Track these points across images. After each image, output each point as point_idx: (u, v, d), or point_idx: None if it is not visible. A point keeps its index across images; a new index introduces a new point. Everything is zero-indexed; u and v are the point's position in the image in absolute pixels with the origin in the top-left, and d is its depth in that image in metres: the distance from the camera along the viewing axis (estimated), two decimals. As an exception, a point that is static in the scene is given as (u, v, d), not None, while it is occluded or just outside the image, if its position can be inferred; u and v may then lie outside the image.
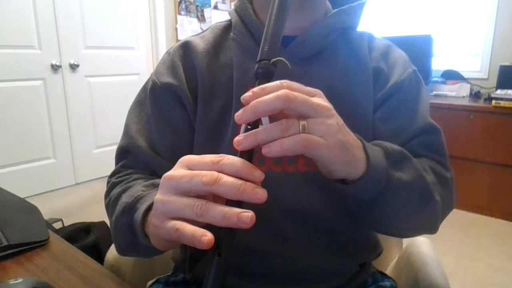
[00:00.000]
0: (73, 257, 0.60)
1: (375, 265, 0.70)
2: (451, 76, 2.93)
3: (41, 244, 0.63)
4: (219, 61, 0.60)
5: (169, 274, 0.70)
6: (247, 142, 0.34)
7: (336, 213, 0.56)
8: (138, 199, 0.48)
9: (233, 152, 0.35)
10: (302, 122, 0.35)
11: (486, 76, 2.81)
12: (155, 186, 0.51)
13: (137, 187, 0.51)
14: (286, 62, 0.38)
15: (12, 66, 2.40)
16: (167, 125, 0.60)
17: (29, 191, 2.52)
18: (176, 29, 3.30)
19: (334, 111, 0.38)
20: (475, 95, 2.75)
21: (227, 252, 0.32)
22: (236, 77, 0.58)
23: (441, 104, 2.51)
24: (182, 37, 3.21)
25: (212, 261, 0.32)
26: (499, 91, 2.37)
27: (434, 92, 2.91)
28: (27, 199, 0.80)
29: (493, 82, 2.65)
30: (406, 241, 0.77)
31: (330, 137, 0.36)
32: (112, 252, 0.71)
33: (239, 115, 0.34)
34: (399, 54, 0.63)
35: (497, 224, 2.33)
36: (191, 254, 0.62)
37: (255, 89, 0.35)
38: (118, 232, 0.51)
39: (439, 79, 2.95)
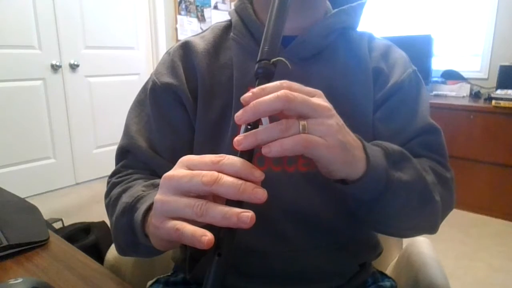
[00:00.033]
0: (73, 257, 0.60)
1: (375, 265, 0.70)
2: (451, 76, 2.93)
3: (41, 244, 0.63)
4: (219, 61, 0.60)
5: (169, 274, 0.70)
6: (247, 142, 0.34)
7: (336, 213, 0.56)
8: (138, 199, 0.48)
9: (233, 152, 0.35)
10: (302, 122, 0.35)
11: (486, 76, 2.81)
12: (155, 186, 0.51)
13: (137, 187, 0.51)
14: (286, 62, 0.38)
15: (12, 66, 2.40)
16: (167, 125, 0.60)
17: (29, 191, 2.52)
18: (176, 29, 3.30)
19: (334, 111, 0.38)
20: (475, 95, 2.75)
21: (227, 252, 0.32)
22: (236, 77, 0.58)
23: (441, 104, 2.51)
24: (182, 37, 3.21)
25: (212, 261, 0.32)
26: (499, 91, 2.37)
27: (434, 92, 2.91)
28: (27, 199, 0.80)
29: (493, 82, 2.65)
30: (406, 241, 0.77)
31: (330, 137, 0.36)
32: (112, 252, 0.71)
33: (239, 115, 0.35)
34: (399, 54, 0.63)
35: (497, 224, 2.33)
36: (191, 254, 0.62)
37: (255, 89, 0.35)
38: (118, 232, 0.51)
39: (439, 79, 2.95)
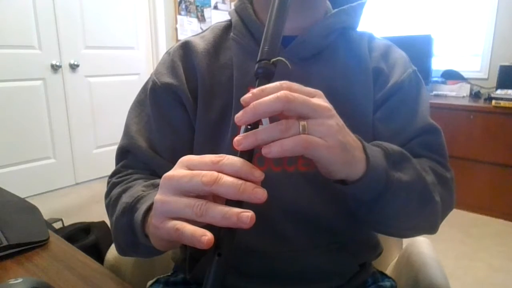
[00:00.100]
0: (73, 257, 0.60)
1: (375, 265, 0.70)
2: (451, 76, 2.93)
3: (41, 244, 0.63)
4: (219, 61, 0.60)
5: (169, 274, 0.70)
6: (247, 142, 0.34)
7: (336, 213, 0.56)
8: (138, 199, 0.48)
9: (233, 152, 0.35)
10: (302, 123, 0.35)
11: (486, 76, 2.81)
12: (155, 186, 0.51)
13: (137, 187, 0.51)
14: (286, 62, 0.38)
15: (12, 66, 2.40)
16: (167, 125, 0.60)
17: (29, 191, 2.52)
18: (176, 29, 3.30)
19: (334, 112, 0.38)
20: (475, 95, 2.75)
21: (227, 252, 0.32)
22: (236, 77, 0.58)
23: (441, 104, 2.51)
24: (182, 37, 3.21)
25: (212, 261, 0.32)
26: (499, 91, 2.37)
27: (434, 92, 2.91)
28: (27, 199, 0.80)
29: (493, 82, 2.65)
30: (406, 241, 0.77)
31: (330, 137, 0.36)
32: (112, 252, 0.71)
33: (239, 116, 0.35)
34: (399, 54, 0.63)
35: (497, 224, 2.33)
36: (191, 254, 0.62)
37: (255, 90, 0.35)
38: (118, 232, 0.51)
39: (439, 79, 2.95)
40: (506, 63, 2.55)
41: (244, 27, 0.61)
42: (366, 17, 0.63)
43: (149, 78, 0.63)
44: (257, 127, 0.35)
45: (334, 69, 0.59)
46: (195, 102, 0.59)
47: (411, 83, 0.60)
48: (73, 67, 2.69)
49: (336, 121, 0.37)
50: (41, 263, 0.58)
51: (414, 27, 3.14)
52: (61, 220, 1.77)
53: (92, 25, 2.77)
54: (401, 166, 0.48)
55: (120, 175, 0.60)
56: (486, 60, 2.80)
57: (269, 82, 0.37)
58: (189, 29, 3.38)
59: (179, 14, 3.30)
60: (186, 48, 0.62)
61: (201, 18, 3.46)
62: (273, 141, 0.34)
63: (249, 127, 0.35)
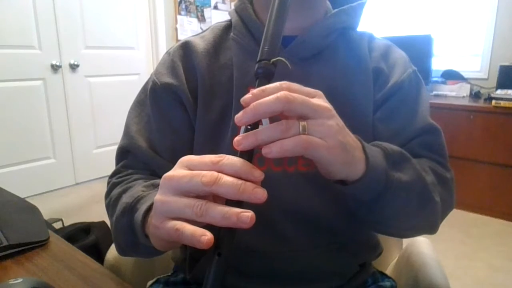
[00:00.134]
0: (73, 257, 0.60)
1: (375, 265, 0.70)
2: (451, 76, 2.93)
3: (41, 244, 0.63)
4: (219, 61, 0.60)
5: (169, 274, 0.70)
6: (247, 143, 0.34)
7: (336, 213, 0.56)
8: (138, 200, 0.48)
9: (233, 152, 0.35)
10: (302, 123, 0.35)
11: (486, 76, 2.81)
12: (155, 186, 0.51)
13: (137, 188, 0.51)
14: (286, 62, 0.38)
15: (12, 66, 2.40)
16: (167, 125, 0.60)
17: (29, 191, 2.52)
18: (176, 29, 3.30)
19: (334, 112, 0.38)
20: (475, 95, 2.75)
21: (227, 252, 0.32)
22: (236, 77, 0.58)
23: (441, 104, 2.51)
24: (182, 37, 3.21)
25: (212, 261, 0.32)
26: (499, 91, 2.37)
27: (434, 92, 2.91)
28: (27, 199, 0.80)
29: (493, 82, 2.65)
30: (406, 241, 0.77)
31: (330, 138, 0.36)
32: (112, 252, 0.71)
33: (239, 117, 0.35)
34: (399, 54, 0.63)
35: (497, 224, 2.33)
36: (191, 254, 0.62)
37: (255, 90, 0.35)
38: (119, 233, 0.51)
39: (439, 79, 2.95)
40: (506, 63, 2.55)
41: (244, 27, 0.61)
42: (366, 17, 0.63)
43: (149, 78, 0.63)
44: (257, 127, 0.35)
45: (334, 69, 0.59)
46: (195, 102, 0.59)
47: (411, 83, 0.60)
48: (73, 67, 2.69)
49: (336, 121, 0.37)
50: (41, 263, 0.58)
51: (414, 27, 3.14)
52: (61, 220, 1.77)
53: (92, 25, 2.77)
54: (400, 166, 0.48)
55: (120, 175, 0.60)
56: (486, 60, 2.80)
57: (269, 82, 0.37)
58: (189, 29, 3.38)
59: (179, 14, 3.30)
60: (186, 48, 0.62)
61: (201, 18, 3.46)
62: (273, 142, 0.34)
63: (249, 127, 0.35)
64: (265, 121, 0.56)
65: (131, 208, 0.48)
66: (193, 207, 0.32)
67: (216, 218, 0.31)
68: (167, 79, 0.59)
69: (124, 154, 0.61)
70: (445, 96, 2.81)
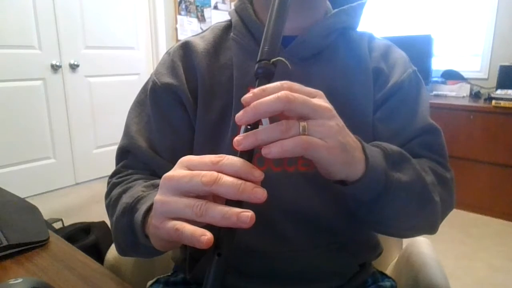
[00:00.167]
0: (73, 257, 0.60)
1: (375, 265, 0.70)
2: (451, 76, 2.93)
3: (41, 244, 0.63)
4: (219, 61, 0.60)
5: (169, 274, 0.70)
6: (247, 143, 0.34)
7: (336, 213, 0.56)
8: (138, 200, 0.48)
9: (233, 152, 0.35)
10: (302, 124, 0.35)
11: (486, 76, 2.81)
12: (156, 186, 0.51)
13: (137, 188, 0.51)
14: (286, 62, 0.38)
15: (12, 66, 2.40)
16: (167, 125, 0.60)
17: (29, 191, 2.52)
18: (176, 29, 3.30)
19: (334, 112, 0.38)
20: (475, 95, 2.75)
21: (227, 252, 0.32)
22: (236, 77, 0.58)
23: (441, 104, 2.51)
24: (182, 37, 3.21)
25: (212, 261, 0.32)
26: (499, 91, 2.37)
27: (434, 92, 2.91)
28: (27, 199, 0.80)
29: (493, 82, 2.65)
30: (406, 241, 0.77)
31: (330, 138, 0.36)
32: (112, 252, 0.71)
33: (239, 116, 0.34)
34: (399, 54, 0.63)
35: (497, 224, 2.33)
36: (191, 254, 0.62)
37: (256, 90, 0.35)
38: (119, 233, 0.51)
39: (439, 79, 2.95)
40: (506, 63, 2.55)
41: (244, 27, 0.61)
42: (366, 17, 0.63)
43: (149, 78, 0.63)
44: (257, 127, 0.35)
45: (334, 69, 0.59)
46: (195, 102, 0.59)
47: (411, 83, 0.60)
48: (73, 67, 2.69)
49: (336, 121, 0.37)
50: (41, 263, 0.58)
51: (414, 27, 3.14)
52: (61, 220, 1.77)
53: (92, 25, 2.77)
54: (400, 166, 0.48)
55: (120, 175, 0.60)
56: (486, 60, 2.80)
57: (269, 82, 0.37)
58: (189, 29, 3.38)
59: (179, 14, 3.30)
60: (186, 48, 0.62)
61: (201, 18, 3.46)
62: (273, 142, 0.34)
63: (248, 127, 0.35)
64: (265, 121, 0.56)
65: (131, 208, 0.48)
66: (193, 207, 0.32)
67: (216, 218, 0.31)
68: (167, 79, 0.59)
69: (124, 154, 0.61)
70: (445, 96, 2.81)
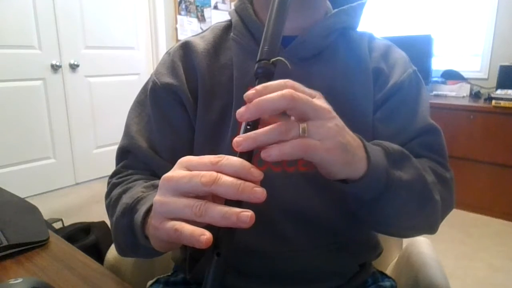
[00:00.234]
0: (73, 257, 0.60)
1: (375, 265, 0.70)
2: (451, 76, 2.93)
3: (41, 244, 0.63)
4: (219, 61, 0.60)
5: (169, 274, 0.70)
6: (247, 144, 0.34)
7: (336, 213, 0.56)
8: (138, 201, 0.48)
9: (233, 152, 0.35)
10: (302, 125, 0.35)
11: (486, 76, 2.81)
12: (156, 187, 0.51)
13: (137, 188, 0.51)
14: (286, 62, 0.38)
15: (12, 66, 2.40)
16: (168, 125, 0.60)
17: (29, 191, 2.52)
18: (176, 29, 3.30)
19: (334, 113, 0.38)
20: (475, 95, 2.75)
21: (226, 252, 0.32)
22: (236, 77, 0.58)
23: (441, 104, 2.51)
24: (182, 37, 3.21)
25: (211, 261, 0.32)
26: (499, 91, 2.37)
27: (434, 92, 2.91)
28: (27, 199, 0.80)
29: (493, 82, 2.65)
30: (406, 241, 0.77)
31: (329, 140, 0.36)
32: (112, 252, 0.71)
33: (241, 112, 0.34)
34: (399, 54, 0.63)
35: (497, 224, 2.33)
36: (191, 254, 0.62)
37: (258, 87, 0.35)
38: (119, 233, 0.51)
39: (439, 79, 2.95)
40: (506, 63, 2.55)
41: (244, 27, 0.61)
42: (366, 17, 0.63)
43: (149, 78, 0.63)
44: (257, 127, 0.35)
45: (334, 69, 0.59)
46: (195, 102, 0.59)
47: (411, 83, 0.60)
48: (73, 67, 2.69)
49: (336, 122, 0.37)
50: (41, 263, 0.58)
51: (414, 27, 3.14)
52: (61, 220, 1.77)
53: (92, 25, 2.77)
54: (401, 165, 0.48)
55: (120, 175, 0.60)
56: (486, 60, 2.80)
57: (268, 82, 0.37)
58: (189, 29, 3.38)
59: (179, 14, 3.30)
60: (186, 48, 0.62)
61: (201, 18, 3.46)
62: (273, 143, 0.34)
63: (248, 127, 0.35)
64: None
65: (131, 209, 0.48)
66: (193, 207, 0.32)
67: (215, 218, 0.31)
68: (167, 79, 0.59)
69: (125, 154, 0.61)
70: (445, 96, 2.81)
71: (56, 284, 0.52)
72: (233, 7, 0.65)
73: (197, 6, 3.40)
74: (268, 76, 0.38)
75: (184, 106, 0.59)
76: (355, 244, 0.60)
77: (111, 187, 0.58)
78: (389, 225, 0.54)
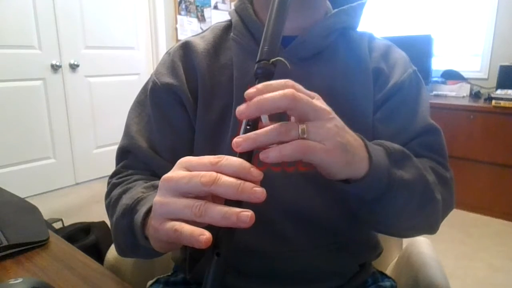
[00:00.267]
0: (73, 257, 0.60)
1: (375, 265, 0.70)
2: (451, 76, 2.93)
3: (41, 244, 0.63)
4: (219, 61, 0.60)
5: (169, 274, 0.70)
6: (246, 144, 0.34)
7: (336, 213, 0.56)
8: (138, 201, 0.48)
9: (233, 152, 0.35)
10: (301, 126, 0.35)
11: (486, 76, 2.81)
12: (156, 187, 0.51)
13: (137, 189, 0.51)
14: (286, 62, 0.38)
15: (12, 66, 2.40)
16: (168, 125, 0.60)
17: (29, 191, 2.52)
18: (176, 29, 3.29)
19: (333, 114, 0.38)
20: (475, 95, 2.75)
21: (226, 252, 0.32)
22: (236, 77, 0.58)
23: (441, 104, 2.51)
24: (182, 37, 3.21)
25: (211, 261, 0.32)
26: (499, 91, 2.37)
27: (434, 92, 2.91)
28: (27, 199, 0.80)
29: (493, 82, 2.65)
30: (406, 241, 0.77)
31: (329, 140, 0.36)
32: (112, 252, 0.71)
33: (241, 109, 0.34)
34: (399, 54, 0.63)
35: (497, 224, 2.33)
36: (191, 254, 0.62)
37: (259, 85, 0.35)
38: (119, 234, 0.51)
39: (439, 79, 2.95)
40: (506, 63, 2.55)
41: (244, 27, 0.61)
42: (366, 17, 0.63)
43: (149, 78, 0.63)
44: (257, 128, 0.35)
45: (334, 69, 0.59)
46: (195, 102, 0.59)
47: (411, 84, 0.60)
48: (73, 67, 2.69)
49: (335, 123, 0.37)
50: (41, 263, 0.58)
51: (414, 27, 3.14)
52: (61, 220, 1.77)
53: (92, 25, 2.77)
54: (402, 164, 0.48)
55: (120, 175, 0.60)
56: (486, 60, 2.80)
57: None
58: (189, 29, 3.38)
59: (179, 14, 3.30)
60: (186, 48, 0.62)
61: (201, 18, 3.46)
62: (272, 143, 0.34)
63: (248, 127, 0.35)
64: (265, 120, 0.56)
65: (131, 209, 0.48)
66: (192, 207, 0.32)
67: (215, 218, 0.31)
68: (167, 79, 0.59)
69: (125, 154, 0.61)
70: (445, 96, 2.81)
71: (56, 284, 0.52)
72: (233, 7, 0.65)
73: (197, 6, 3.40)
74: (268, 76, 0.38)
75: (184, 106, 0.59)
76: (355, 244, 0.60)
77: (111, 187, 0.58)
78: (390, 225, 0.54)
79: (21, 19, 2.41)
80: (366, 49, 0.62)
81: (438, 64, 2.94)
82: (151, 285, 0.67)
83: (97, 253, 1.44)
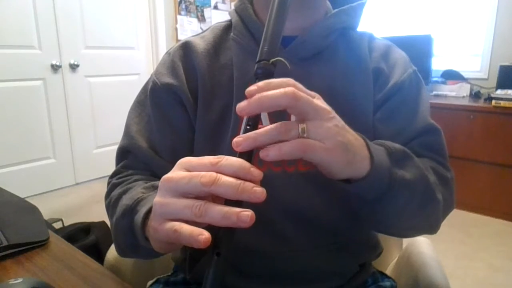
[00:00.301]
0: (73, 257, 0.60)
1: (375, 265, 0.70)
2: (451, 76, 2.93)
3: (41, 244, 0.63)
4: (219, 61, 0.60)
5: (169, 274, 0.70)
6: (246, 144, 0.34)
7: (336, 213, 0.56)
8: (138, 202, 0.48)
9: (233, 152, 0.35)
10: (301, 125, 0.35)
11: (486, 76, 2.81)
12: (156, 187, 0.51)
13: (137, 189, 0.51)
14: (285, 62, 0.38)
15: (12, 66, 2.40)
16: (168, 125, 0.60)
17: (29, 191, 2.52)
18: (176, 29, 3.29)
19: (334, 114, 0.38)
20: (475, 95, 2.75)
21: (226, 252, 0.32)
22: (236, 77, 0.58)
23: (441, 104, 2.51)
24: (182, 37, 3.21)
25: (211, 261, 0.32)
26: (499, 91, 2.37)
27: (434, 92, 2.91)
28: (27, 199, 0.80)
29: (493, 82, 2.65)
30: (406, 241, 0.77)
31: (329, 140, 0.36)
32: (112, 252, 0.71)
33: (242, 106, 0.34)
34: (399, 54, 0.63)
35: (497, 224, 2.33)
36: (191, 254, 0.62)
37: (261, 83, 0.35)
38: (119, 234, 0.51)
39: (439, 79, 2.95)
40: (506, 63, 2.55)
41: (244, 27, 0.61)
42: (366, 17, 0.63)
43: (149, 78, 0.63)
44: (257, 127, 0.35)
45: (334, 69, 0.59)
46: (195, 102, 0.59)
47: (411, 84, 0.60)
48: (73, 67, 2.69)
49: (335, 122, 0.37)
50: (41, 263, 0.58)
51: (414, 27, 3.14)
52: (61, 220, 1.77)
53: (92, 25, 2.77)
54: (404, 164, 0.48)
55: (120, 175, 0.60)
56: (486, 60, 2.80)
57: None
58: (189, 29, 3.37)
59: (179, 14, 3.30)
60: (186, 48, 0.62)
61: (201, 18, 3.46)
62: (272, 143, 0.34)
63: (248, 127, 0.35)
64: (264, 120, 0.56)
65: (131, 210, 0.48)
66: (192, 208, 0.32)
67: (215, 218, 0.31)
68: (167, 79, 0.59)
69: (125, 154, 0.61)
70: (445, 96, 2.81)
71: (56, 284, 0.52)
72: (233, 7, 0.65)
73: (197, 6, 3.40)
74: (268, 76, 0.38)
75: (184, 106, 0.59)
76: (355, 244, 0.60)
77: (111, 187, 0.58)
78: (391, 224, 0.54)
79: (21, 19, 2.41)
80: (366, 49, 0.62)
81: (438, 64, 2.94)
82: (151, 285, 0.67)
83: (97, 253, 1.44)
